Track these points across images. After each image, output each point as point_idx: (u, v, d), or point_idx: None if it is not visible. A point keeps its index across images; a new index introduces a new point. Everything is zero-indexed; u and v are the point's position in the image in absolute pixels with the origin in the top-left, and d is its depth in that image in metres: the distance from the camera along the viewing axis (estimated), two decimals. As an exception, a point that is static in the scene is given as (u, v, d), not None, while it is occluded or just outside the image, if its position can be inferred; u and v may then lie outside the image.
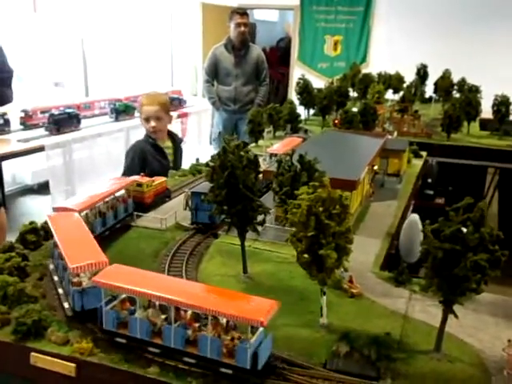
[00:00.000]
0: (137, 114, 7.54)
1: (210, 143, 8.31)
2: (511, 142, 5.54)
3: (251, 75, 7.38)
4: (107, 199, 2.55)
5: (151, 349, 1.62)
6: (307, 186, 1.77)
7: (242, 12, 7.25)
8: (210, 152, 7.76)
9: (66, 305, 1.86)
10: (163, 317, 1.65)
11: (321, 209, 1.69)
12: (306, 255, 1.72)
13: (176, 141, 4.93)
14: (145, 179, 2.94)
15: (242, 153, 1.98)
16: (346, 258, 1.74)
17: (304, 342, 1.72)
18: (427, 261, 1.60)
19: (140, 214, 2.77)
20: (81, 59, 9.10)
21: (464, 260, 1.52)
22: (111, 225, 2.58)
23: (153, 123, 4.56)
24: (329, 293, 1.89)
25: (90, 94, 9.03)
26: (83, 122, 6.32)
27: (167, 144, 4.77)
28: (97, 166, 6.47)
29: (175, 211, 2.82)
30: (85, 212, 2.36)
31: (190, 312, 1.62)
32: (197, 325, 1.62)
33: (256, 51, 7.48)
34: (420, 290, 1.66)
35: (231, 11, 7.36)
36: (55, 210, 2.37)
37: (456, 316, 1.61)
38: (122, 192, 2.72)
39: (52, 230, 2.09)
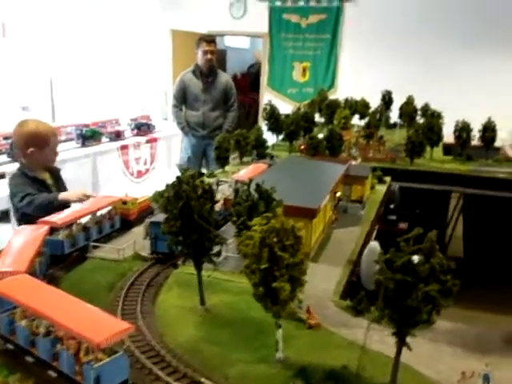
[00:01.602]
0: (104, 139, 7.50)
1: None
2: (474, 166, 5.68)
3: (219, 101, 7.44)
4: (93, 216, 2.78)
5: (28, 358, 1.69)
6: (260, 217, 1.75)
7: (210, 40, 7.33)
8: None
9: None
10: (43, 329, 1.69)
11: (275, 239, 1.67)
12: (260, 288, 1.69)
13: (53, 171, 4.38)
14: (129, 198, 3.12)
15: (197, 182, 1.95)
16: (301, 290, 1.71)
17: (259, 380, 1.67)
18: (379, 292, 1.59)
19: (96, 244, 2.70)
20: (48, 84, 9.00)
21: (415, 291, 1.51)
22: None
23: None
24: (286, 324, 1.86)
25: (56, 119, 8.90)
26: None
27: (45, 176, 4.25)
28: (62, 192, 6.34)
29: (134, 240, 2.76)
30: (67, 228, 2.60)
31: None
32: (72, 341, 1.59)
33: (224, 77, 7.57)
34: (372, 321, 1.63)
35: (198, 38, 7.44)
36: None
37: (409, 348, 1.59)
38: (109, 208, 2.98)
39: None
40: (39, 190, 4.03)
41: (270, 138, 6.14)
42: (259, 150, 5.12)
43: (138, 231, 2.97)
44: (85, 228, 2.73)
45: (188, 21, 11.57)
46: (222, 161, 4.76)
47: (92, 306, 1.70)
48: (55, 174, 4.40)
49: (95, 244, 2.70)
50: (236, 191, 2.25)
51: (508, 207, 5.78)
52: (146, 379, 1.68)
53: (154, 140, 8.52)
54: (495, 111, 6.31)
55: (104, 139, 7.50)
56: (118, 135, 7.79)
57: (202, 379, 1.65)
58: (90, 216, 2.80)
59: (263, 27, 11.79)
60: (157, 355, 1.81)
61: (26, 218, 3.68)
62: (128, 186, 7.80)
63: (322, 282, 2.42)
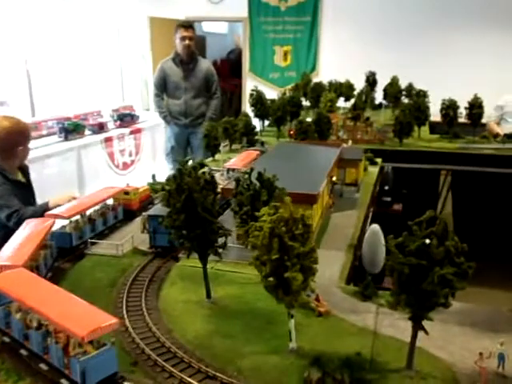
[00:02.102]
0: (87, 132, 7.35)
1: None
2: (461, 144, 5.71)
3: (201, 88, 7.25)
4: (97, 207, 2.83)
5: (22, 351, 1.71)
6: (268, 207, 1.71)
7: (187, 25, 7.14)
8: (165, 168, 7.64)
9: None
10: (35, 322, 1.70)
11: (283, 229, 1.64)
12: (270, 279, 1.66)
13: (24, 168, 4.20)
14: (130, 188, 3.13)
15: (198, 174, 1.90)
16: (313, 279, 1.69)
17: (274, 371, 1.65)
18: (393, 277, 1.57)
19: (94, 241, 2.64)
20: (25, 78, 8.78)
21: (431, 274, 1.50)
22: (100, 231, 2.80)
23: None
24: (296, 313, 1.83)
25: (36, 113, 8.70)
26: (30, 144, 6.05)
27: (19, 176, 4.08)
28: (47, 188, 6.21)
29: (132, 235, 2.70)
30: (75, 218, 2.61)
31: None
32: (61, 335, 1.60)
33: (205, 64, 7.38)
34: (388, 307, 1.62)
35: (176, 25, 7.26)
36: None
37: (426, 332, 1.58)
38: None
39: None
40: (21, 194, 3.85)
41: (257, 124, 6.07)
42: (248, 136, 5.06)
43: (135, 226, 2.92)
44: (90, 220, 2.75)
45: (166, 7, 11.35)
46: (212, 149, 4.69)
47: (83, 301, 1.68)
48: (25, 171, 4.22)
49: (93, 240, 2.64)
50: (237, 181, 2.20)
51: (495, 182, 5.84)
52: (158, 377, 1.65)
53: (138, 131, 8.37)
54: (480, 88, 6.32)
55: (87, 132, 7.34)
56: (101, 127, 7.64)
57: (235, 373, 1.63)
58: (94, 208, 2.84)
59: (242, 11, 11.63)
60: (167, 351, 1.77)
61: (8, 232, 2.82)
62: (114, 179, 7.68)
63: (326, 267, 2.39)
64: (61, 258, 2.50)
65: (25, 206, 3.76)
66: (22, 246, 2.15)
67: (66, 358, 1.55)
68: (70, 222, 2.61)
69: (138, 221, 2.96)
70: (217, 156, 4.75)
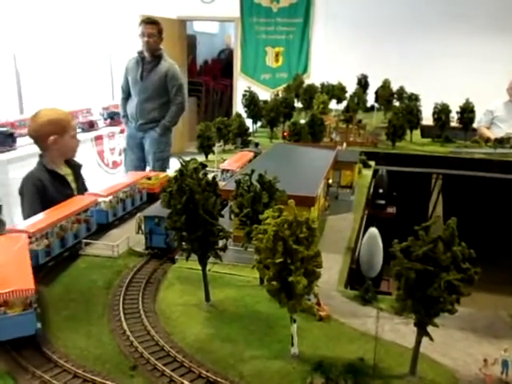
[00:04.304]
0: (77, 130, 7.25)
1: None
2: (453, 148, 5.75)
3: (157, 91, 6.56)
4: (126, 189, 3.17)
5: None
6: (272, 209, 1.69)
7: (148, 21, 6.60)
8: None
9: None
10: None
11: (287, 233, 1.61)
12: (274, 282, 1.64)
13: (75, 166, 4.16)
14: (152, 174, 3.54)
15: (200, 175, 1.87)
16: (316, 283, 1.67)
17: (276, 377, 1.62)
18: (400, 282, 1.56)
19: (89, 241, 2.59)
20: (14, 74, 8.65)
21: (437, 280, 1.49)
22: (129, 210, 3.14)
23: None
24: (296, 317, 1.81)
25: (25, 111, 8.58)
26: (19, 141, 5.98)
27: (66, 171, 4.04)
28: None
29: (127, 236, 2.66)
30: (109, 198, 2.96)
31: None
32: None
33: (166, 65, 6.61)
34: (394, 312, 1.60)
35: (140, 21, 6.74)
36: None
37: (431, 338, 1.57)
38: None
39: None
40: (56, 186, 3.78)
41: (249, 125, 6.05)
42: (242, 137, 5.04)
43: (130, 226, 2.87)
44: (121, 200, 3.08)
45: (157, 6, 11.28)
46: (206, 149, 4.66)
47: (27, 265, 1.87)
48: (77, 170, 4.14)
49: (87, 241, 2.59)
50: (238, 183, 2.17)
51: (486, 187, 5.89)
52: (158, 382, 1.62)
53: (127, 129, 8.31)
54: (471, 93, 6.37)
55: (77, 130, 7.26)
56: (91, 125, 7.58)
57: (237, 379, 1.60)
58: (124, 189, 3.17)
59: (234, 12, 11.61)
60: (167, 355, 1.74)
61: None
62: (104, 177, 7.61)
63: (325, 271, 2.34)
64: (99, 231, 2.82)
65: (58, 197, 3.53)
66: (48, 218, 2.46)
67: None
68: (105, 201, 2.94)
69: (125, 226, 2.97)
70: (210, 156, 4.71)
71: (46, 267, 2.35)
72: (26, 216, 3.45)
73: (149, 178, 3.42)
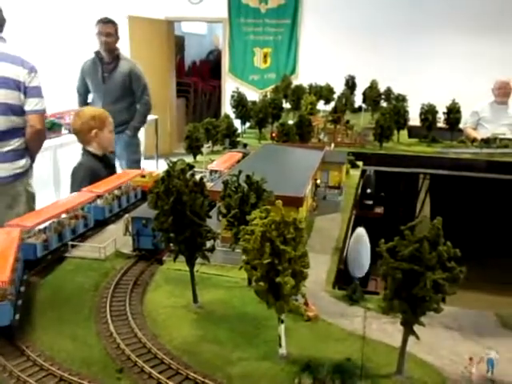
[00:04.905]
0: (64, 131, 7.19)
1: None
2: (440, 148, 5.79)
3: (122, 92, 6.49)
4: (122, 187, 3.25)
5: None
6: (259, 210, 1.69)
7: (106, 21, 6.54)
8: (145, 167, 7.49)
9: None
10: None
11: (275, 233, 1.61)
12: (262, 283, 1.64)
13: (110, 165, 4.81)
14: (146, 172, 3.60)
15: (187, 176, 1.87)
16: (304, 284, 1.67)
17: (264, 378, 1.62)
18: (386, 282, 1.57)
19: (75, 243, 2.57)
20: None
21: (422, 279, 1.50)
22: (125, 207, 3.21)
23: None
24: (284, 318, 1.81)
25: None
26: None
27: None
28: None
29: (114, 238, 2.64)
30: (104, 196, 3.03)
31: None
32: None
33: (127, 65, 6.55)
34: (381, 312, 1.61)
35: (97, 20, 6.63)
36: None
37: (417, 337, 1.58)
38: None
39: None
40: (108, 171, 4.31)
41: (238, 126, 6.05)
42: (231, 138, 5.03)
43: (117, 228, 2.86)
44: (116, 197, 3.15)
45: (145, 7, 11.23)
46: (194, 150, 4.65)
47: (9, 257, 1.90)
48: (109, 162, 4.75)
49: (73, 243, 2.57)
50: (225, 183, 2.17)
51: (472, 186, 5.94)
52: (145, 384, 1.61)
53: (116, 130, 8.26)
54: (457, 94, 6.43)
55: (64, 131, 7.20)
56: (78, 126, 7.49)
57: (224, 380, 1.59)
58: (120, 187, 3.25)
59: (222, 12, 11.60)
60: (154, 358, 1.73)
61: None
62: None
63: (312, 271, 2.35)
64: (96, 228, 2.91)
65: None
66: (45, 213, 2.54)
67: None
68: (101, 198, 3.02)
69: (111, 228, 2.96)
70: (198, 157, 4.70)
71: (44, 260, 2.42)
72: None
73: (143, 176, 3.52)
